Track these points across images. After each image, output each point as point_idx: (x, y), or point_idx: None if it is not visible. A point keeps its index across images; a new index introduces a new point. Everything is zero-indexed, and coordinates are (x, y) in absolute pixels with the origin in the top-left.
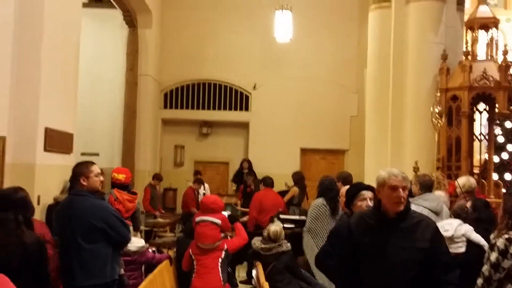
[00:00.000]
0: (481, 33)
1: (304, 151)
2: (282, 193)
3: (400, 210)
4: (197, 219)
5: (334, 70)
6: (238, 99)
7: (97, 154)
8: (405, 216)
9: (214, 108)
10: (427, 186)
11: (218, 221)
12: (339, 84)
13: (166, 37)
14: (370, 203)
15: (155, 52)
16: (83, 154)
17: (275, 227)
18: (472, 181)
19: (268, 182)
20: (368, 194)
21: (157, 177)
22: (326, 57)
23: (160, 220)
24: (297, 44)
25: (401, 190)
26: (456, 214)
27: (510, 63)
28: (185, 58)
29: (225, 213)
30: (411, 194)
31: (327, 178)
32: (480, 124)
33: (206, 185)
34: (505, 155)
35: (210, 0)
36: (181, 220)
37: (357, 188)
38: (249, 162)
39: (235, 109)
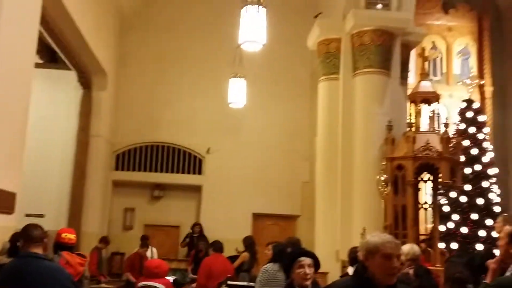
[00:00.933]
0: (424, 107)
1: (256, 216)
2: (233, 258)
3: (393, 282)
4: (140, 284)
5: (287, 137)
6: (192, 163)
7: (42, 216)
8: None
9: (167, 171)
10: None
11: (162, 287)
12: (292, 150)
13: (121, 99)
14: (309, 271)
15: (109, 113)
16: (27, 215)
17: None
18: (416, 249)
19: (217, 247)
20: (307, 261)
21: (104, 240)
22: (279, 124)
23: (104, 285)
24: (251, 111)
25: (395, 259)
26: (400, 281)
27: (453, 136)
28: (140, 120)
29: (170, 278)
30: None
31: (279, 244)
32: (425, 193)
33: (154, 249)
34: (450, 224)
35: (166, 64)
36: (124, 287)
37: (295, 254)
38: (201, 226)
39: (188, 172)
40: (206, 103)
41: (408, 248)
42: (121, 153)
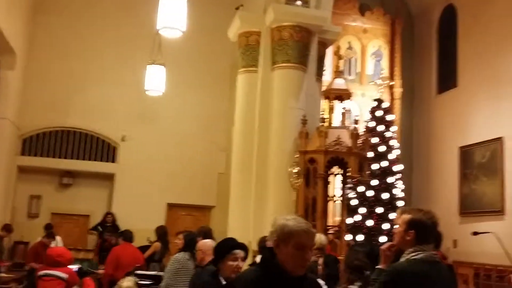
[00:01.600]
0: (338, 103)
1: (170, 206)
2: (144, 248)
3: (303, 273)
4: (40, 273)
5: (204, 128)
6: (105, 150)
7: None
8: (304, 278)
9: (78, 158)
10: None
11: (64, 276)
12: (209, 141)
13: (31, 80)
14: (241, 264)
15: (17, 94)
16: None
17: (127, 282)
18: (323, 238)
19: (127, 236)
20: (241, 253)
21: (7, 228)
22: (197, 114)
23: (4, 275)
24: (169, 100)
25: (309, 250)
26: (309, 269)
27: (363, 133)
28: (50, 103)
29: (75, 267)
30: None
31: (191, 233)
32: (335, 187)
33: (59, 238)
34: (358, 217)
35: (80, 47)
36: (26, 277)
37: (230, 245)
38: (113, 216)
39: (101, 159)
40: (122, 90)
41: (316, 237)
42: (28, 138)
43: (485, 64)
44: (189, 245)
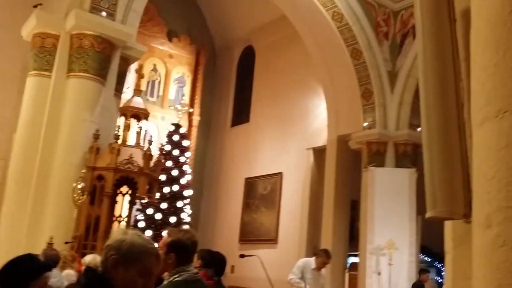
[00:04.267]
0: (134, 122)
1: None
2: None
3: None
4: None
5: None
6: None
7: None
8: None
9: None
10: (52, 260)
11: None
12: None
13: None
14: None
15: None
16: None
17: None
18: (98, 259)
19: None
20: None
21: None
22: None
23: None
24: None
25: (153, 277)
26: None
27: (158, 155)
28: None
29: None
30: None
31: None
32: (122, 207)
33: None
34: None
35: None
36: None
37: (42, 267)
38: None
39: None
40: None
41: (91, 258)
42: None
43: (274, 104)
44: None
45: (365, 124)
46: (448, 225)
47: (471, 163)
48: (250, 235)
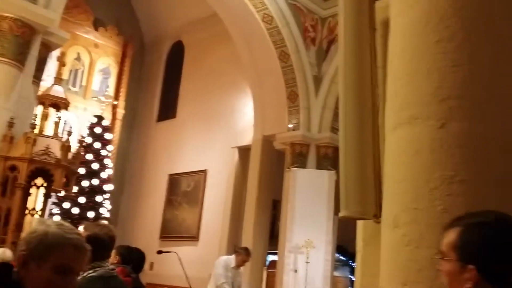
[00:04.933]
0: (53, 111)
1: None
2: None
3: None
4: None
5: None
6: None
7: None
8: None
9: None
10: None
11: None
12: None
13: None
14: None
15: None
16: None
17: None
18: (7, 253)
19: None
20: None
21: None
22: None
23: None
24: None
25: (75, 275)
26: None
27: (78, 147)
28: None
29: None
30: None
31: None
32: (36, 200)
33: None
34: None
35: None
36: None
37: None
38: None
39: None
40: None
41: (0, 252)
42: None
43: (202, 101)
44: None
45: (290, 125)
46: (359, 225)
47: (383, 166)
48: (171, 232)
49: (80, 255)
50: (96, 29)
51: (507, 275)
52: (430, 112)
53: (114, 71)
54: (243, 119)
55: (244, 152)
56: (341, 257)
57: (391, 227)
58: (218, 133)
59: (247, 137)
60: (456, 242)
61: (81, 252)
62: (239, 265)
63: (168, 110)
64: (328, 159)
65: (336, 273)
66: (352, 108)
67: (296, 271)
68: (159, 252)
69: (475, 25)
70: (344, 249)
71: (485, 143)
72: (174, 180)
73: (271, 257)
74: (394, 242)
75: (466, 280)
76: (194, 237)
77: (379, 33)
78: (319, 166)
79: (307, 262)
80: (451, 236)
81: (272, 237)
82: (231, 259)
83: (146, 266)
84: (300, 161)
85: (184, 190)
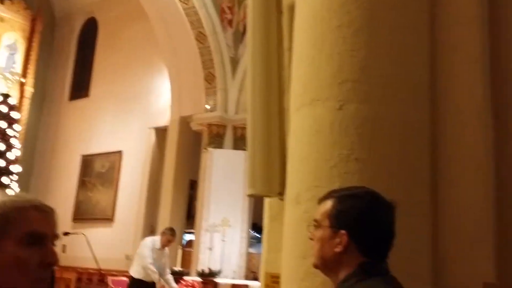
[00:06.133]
0: None
1: None
2: None
3: None
4: None
5: None
6: None
7: None
8: None
9: None
10: None
11: None
12: None
13: None
14: None
15: None
16: None
17: None
18: None
19: None
20: None
21: None
22: None
23: None
24: None
25: (51, 243)
26: None
27: None
28: None
29: None
30: None
31: None
32: None
33: None
34: None
35: None
36: None
37: None
38: None
39: None
40: None
41: None
42: None
43: (117, 80)
44: None
45: (207, 106)
46: (266, 202)
47: (288, 146)
48: (84, 214)
49: (46, 216)
50: (1, 2)
51: (378, 248)
52: (330, 94)
53: (21, 47)
54: (160, 99)
55: (161, 132)
56: (256, 234)
57: (294, 204)
58: (134, 113)
59: (164, 118)
60: (331, 210)
61: (47, 214)
62: (164, 245)
63: (81, 88)
64: (244, 140)
65: (251, 250)
66: (260, 90)
67: (210, 249)
68: (66, 234)
69: (374, 12)
70: (259, 226)
71: (381, 124)
72: (87, 161)
73: (188, 237)
74: (296, 218)
75: (337, 244)
76: (109, 219)
77: (286, 16)
78: (236, 146)
79: (223, 241)
80: (326, 205)
81: (190, 217)
82: (157, 240)
83: (59, 248)
84: (217, 141)
85: (98, 171)
